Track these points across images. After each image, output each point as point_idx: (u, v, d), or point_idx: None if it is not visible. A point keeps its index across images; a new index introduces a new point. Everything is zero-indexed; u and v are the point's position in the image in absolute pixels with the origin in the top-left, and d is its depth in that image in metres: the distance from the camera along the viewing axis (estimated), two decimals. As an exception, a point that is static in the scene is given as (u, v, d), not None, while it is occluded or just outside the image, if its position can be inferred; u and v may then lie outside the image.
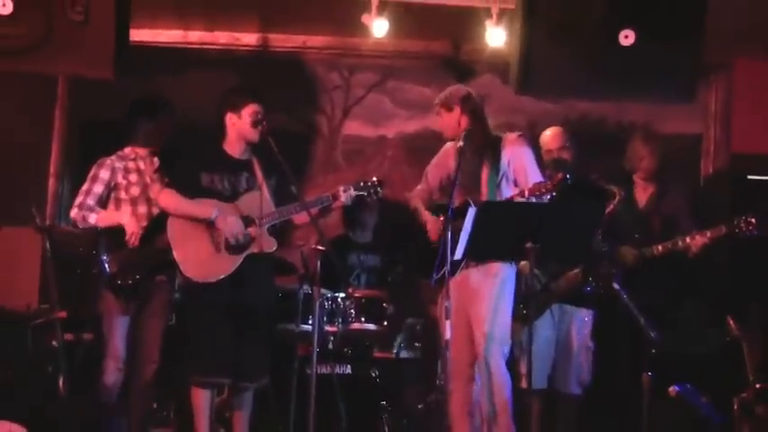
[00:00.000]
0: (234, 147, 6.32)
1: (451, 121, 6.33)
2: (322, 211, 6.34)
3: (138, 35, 7.54)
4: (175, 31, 8.16)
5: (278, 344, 6.63)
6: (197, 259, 6.15)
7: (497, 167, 6.25)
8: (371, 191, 6.40)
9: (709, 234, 6.57)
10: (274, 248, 6.25)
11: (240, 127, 6.27)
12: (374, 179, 6.44)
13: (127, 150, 6.68)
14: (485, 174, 6.24)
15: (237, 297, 6.16)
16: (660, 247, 6.71)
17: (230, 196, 6.24)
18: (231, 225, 6.12)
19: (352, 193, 6.33)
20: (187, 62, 8.15)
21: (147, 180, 6.62)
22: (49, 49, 6.60)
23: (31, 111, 7.96)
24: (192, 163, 6.31)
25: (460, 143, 6.10)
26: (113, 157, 6.64)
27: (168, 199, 6.23)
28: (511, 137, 6.35)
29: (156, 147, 6.68)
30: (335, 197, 6.29)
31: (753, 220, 6.44)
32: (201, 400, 6.20)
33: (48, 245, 6.60)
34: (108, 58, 6.66)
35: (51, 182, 7.96)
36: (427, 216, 6.38)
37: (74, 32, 6.57)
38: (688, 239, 6.61)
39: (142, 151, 6.67)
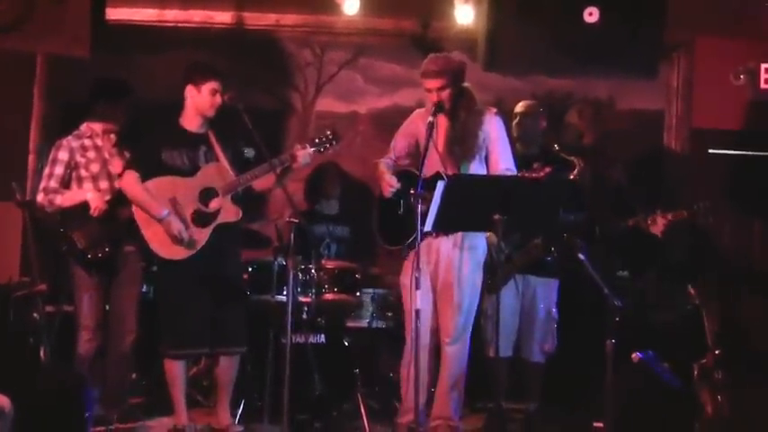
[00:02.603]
0: (191, 121, 6.36)
1: (433, 89, 6.20)
2: (283, 172, 6.35)
3: (114, 14, 7.62)
4: (151, 9, 8.22)
5: (253, 314, 6.69)
6: (166, 237, 6.21)
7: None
8: (327, 144, 6.44)
9: (670, 216, 6.66)
10: (239, 217, 6.33)
11: (198, 101, 6.31)
12: (328, 132, 6.49)
13: (83, 128, 6.71)
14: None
15: (210, 268, 6.25)
16: (621, 224, 6.84)
17: (190, 171, 6.29)
18: (175, 228, 6.17)
19: (309, 150, 6.37)
20: (163, 40, 8.21)
21: (106, 155, 6.67)
22: (27, 28, 6.68)
23: (10, 89, 8.01)
24: (152, 141, 6.35)
25: (431, 118, 6.07)
26: (69, 138, 6.67)
27: (128, 185, 6.29)
28: (489, 114, 6.36)
29: (112, 124, 6.71)
30: (294, 157, 6.33)
31: (710, 206, 6.58)
32: (175, 371, 6.30)
33: (28, 219, 6.68)
34: (84, 36, 6.74)
35: (31, 158, 8.04)
36: (383, 172, 6.38)
37: (51, 11, 6.65)
38: (649, 221, 6.69)
39: (98, 127, 6.69)
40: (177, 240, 6.19)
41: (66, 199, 6.56)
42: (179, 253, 6.22)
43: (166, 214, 6.19)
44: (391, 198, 6.35)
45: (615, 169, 7.19)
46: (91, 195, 6.53)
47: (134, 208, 6.26)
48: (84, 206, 6.51)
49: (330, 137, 6.46)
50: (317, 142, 6.43)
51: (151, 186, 6.25)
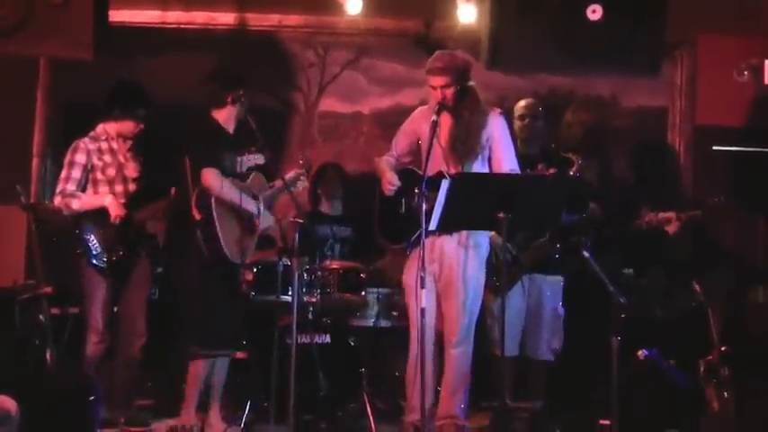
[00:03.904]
0: (230, 124, 6.35)
1: (438, 86, 6.21)
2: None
3: (117, 16, 7.60)
4: (153, 11, 8.22)
5: (259, 315, 6.75)
6: (234, 240, 6.21)
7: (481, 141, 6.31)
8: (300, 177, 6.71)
9: (684, 217, 6.70)
10: (270, 225, 6.45)
11: (240, 109, 6.33)
12: (300, 161, 6.84)
13: (98, 130, 6.69)
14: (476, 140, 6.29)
15: (235, 271, 6.39)
16: (645, 222, 6.84)
17: (236, 175, 6.32)
18: (267, 220, 6.34)
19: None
20: (165, 42, 8.22)
21: (121, 159, 6.67)
22: (29, 31, 6.68)
23: (13, 92, 8.00)
24: (218, 143, 6.29)
25: (434, 117, 6.07)
26: (86, 140, 6.64)
27: (216, 182, 6.13)
28: (494, 114, 6.37)
29: (127, 128, 6.68)
30: (297, 181, 6.63)
31: (722, 199, 6.64)
32: (200, 370, 6.27)
33: (33, 222, 6.69)
34: (87, 39, 6.74)
35: (35, 161, 8.03)
36: (384, 170, 6.39)
37: (54, 14, 6.65)
38: (663, 221, 6.73)
39: (113, 130, 6.68)
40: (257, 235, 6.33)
41: (83, 204, 6.54)
42: (244, 255, 6.30)
43: (261, 211, 6.30)
44: (392, 196, 6.36)
45: (619, 166, 7.19)
46: (109, 201, 6.53)
47: (214, 203, 6.12)
48: (101, 209, 6.52)
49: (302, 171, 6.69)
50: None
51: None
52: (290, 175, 6.56)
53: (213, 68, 6.51)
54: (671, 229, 6.71)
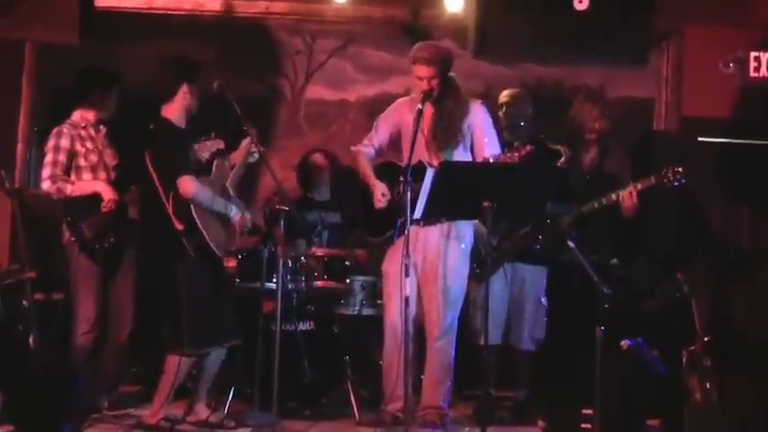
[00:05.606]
0: (182, 119, 6.23)
1: (425, 77, 6.24)
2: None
3: (103, 1, 7.58)
4: (140, -4, 8.20)
5: (243, 302, 6.72)
6: (220, 235, 6.17)
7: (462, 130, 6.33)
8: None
9: (639, 186, 6.57)
10: (244, 212, 6.39)
11: (190, 102, 6.22)
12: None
13: (76, 117, 6.66)
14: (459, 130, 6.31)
15: (221, 265, 6.39)
16: (595, 204, 6.70)
17: (199, 170, 6.22)
18: (246, 221, 6.30)
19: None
20: (152, 28, 8.16)
21: (100, 146, 6.65)
22: (15, 15, 6.66)
23: (-2, 77, 7.98)
24: (185, 142, 6.21)
25: (419, 106, 6.10)
26: (67, 126, 6.61)
27: (194, 190, 6.03)
28: (474, 104, 6.40)
29: (103, 115, 6.71)
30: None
31: (679, 169, 6.46)
32: (184, 367, 6.17)
33: (17, 207, 6.67)
34: (73, 23, 6.73)
35: (19, 147, 7.99)
36: (374, 181, 6.38)
37: (40, -2, 6.66)
38: (620, 192, 6.59)
39: (91, 117, 6.67)
40: (242, 233, 6.31)
41: (76, 189, 6.52)
42: (229, 247, 6.32)
43: (236, 212, 6.24)
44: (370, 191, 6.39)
45: (613, 159, 7.19)
46: (102, 187, 6.51)
47: (193, 208, 6.03)
48: (91, 196, 6.50)
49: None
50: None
51: None
52: (244, 142, 6.38)
53: (168, 56, 6.44)
54: (626, 203, 6.62)
